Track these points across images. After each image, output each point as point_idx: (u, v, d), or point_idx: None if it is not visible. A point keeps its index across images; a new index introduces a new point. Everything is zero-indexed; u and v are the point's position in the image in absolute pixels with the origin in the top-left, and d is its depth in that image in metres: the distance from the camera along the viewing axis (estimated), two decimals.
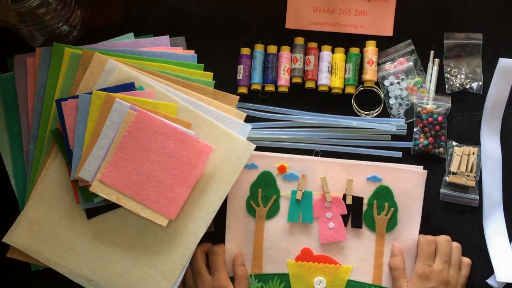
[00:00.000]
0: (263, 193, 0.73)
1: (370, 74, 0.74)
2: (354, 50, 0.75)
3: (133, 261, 0.70)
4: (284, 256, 0.73)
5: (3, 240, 0.69)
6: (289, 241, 0.73)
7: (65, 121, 0.69)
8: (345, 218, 0.73)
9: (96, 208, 0.70)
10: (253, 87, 0.76)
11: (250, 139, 0.73)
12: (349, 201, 0.73)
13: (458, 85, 0.75)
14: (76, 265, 0.69)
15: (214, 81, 0.74)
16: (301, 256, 0.73)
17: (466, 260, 0.71)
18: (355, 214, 0.73)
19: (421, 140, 0.74)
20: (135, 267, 0.70)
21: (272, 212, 0.73)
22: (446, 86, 0.75)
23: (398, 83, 0.75)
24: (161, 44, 0.76)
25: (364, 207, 0.73)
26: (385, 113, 0.76)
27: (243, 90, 0.76)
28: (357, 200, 0.73)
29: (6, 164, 0.73)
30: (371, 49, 0.75)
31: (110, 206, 0.70)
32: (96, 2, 0.77)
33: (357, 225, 0.73)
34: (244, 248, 0.73)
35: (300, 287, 0.72)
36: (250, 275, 0.72)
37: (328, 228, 0.72)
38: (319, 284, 0.72)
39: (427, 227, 0.74)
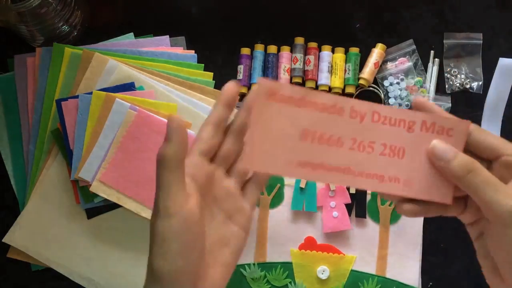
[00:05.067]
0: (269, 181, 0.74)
1: (367, 74, 0.74)
2: (354, 50, 0.75)
3: (133, 261, 0.70)
4: (288, 245, 0.73)
5: (3, 240, 0.70)
6: (293, 230, 0.73)
7: (65, 121, 0.69)
8: (349, 207, 0.73)
9: (96, 208, 0.70)
10: (253, 87, 0.76)
11: None
12: (352, 190, 0.73)
13: (458, 85, 0.75)
14: (76, 265, 0.69)
15: (214, 81, 0.74)
16: (305, 244, 0.73)
17: None
18: (359, 203, 0.73)
19: None
20: (136, 267, 0.70)
21: (276, 201, 0.73)
22: (446, 86, 0.75)
23: (398, 83, 0.75)
24: (161, 44, 0.76)
25: (368, 197, 0.73)
26: None
27: (243, 90, 0.76)
28: (361, 189, 0.73)
29: (6, 164, 0.73)
30: (380, 52, 0.75)
31: (110, 206, 0.70)
32: (96, 2, 0.77)
33: (361, 214, 0.73)
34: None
35: (304, 276, 0.72)
36: (253, 264, 0.72)
37: (332, 217, 0.72)
38: (322, 273, 0.72)
39: (426, 227, 0.74)
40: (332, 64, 0.75)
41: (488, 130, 0.72)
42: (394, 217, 0.73)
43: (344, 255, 0.72)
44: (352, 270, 0.72)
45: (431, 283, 0.73)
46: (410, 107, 0.75)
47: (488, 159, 0.43)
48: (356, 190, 0.73)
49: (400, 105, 0.75)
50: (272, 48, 0.76)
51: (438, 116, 0.43)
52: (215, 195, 0.45)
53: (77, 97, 0.70)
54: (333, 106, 0.42)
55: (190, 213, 0.41)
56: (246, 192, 0.47)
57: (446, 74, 0.75)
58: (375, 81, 0.76)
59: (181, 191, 0.41)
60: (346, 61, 0.75)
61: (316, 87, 0.76)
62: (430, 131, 0.43)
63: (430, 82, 0.75)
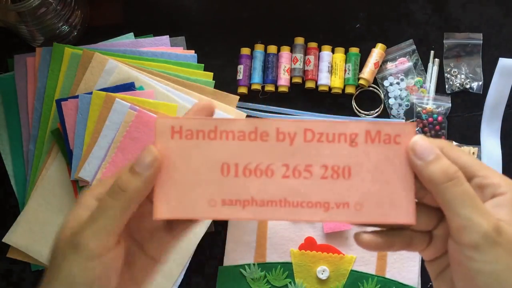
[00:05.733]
0: None
1: (367, 74, 0.74)
2: (354, 50, 0.75)
3: None
4: (288, 245, 0.73)
5: (3, 240, 0.69)
6: (293, 230, 0.73)
7: (65, 121, 0.69)
8: None
9: None
10: (253, 87, 0.76)
11: None
12: None
13: (458, 85, 0.75)
14: None
15: (214, 81, 0.74)
16: (305, 245, 0.73)
17: None
18: None
19: None
20: None
21: None
22: (446, 86, 0.75)
23: (398, 83, 0.75)
24: (161, 44, 0.76)
25: None
26: (385, 113, 0.76)
27: (243, 90, 0.76)
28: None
29: (6, 164, 0.73)
30: (380, 52, 0.74)
31: None
32: (96, 2, 0.77)
33: None
34: (247, 237, 0.73)
35: (303, 276, 0.72)
36: (253, 264, 0.72)
37: None
38: (322, 273, 0.72)
39: None
40: (332, 64, 0.75)
41: (488, 130, 0.71)
42: None
43: (344, 255, 0.72)
44: (352, 270, 0.72)
45: (431, 283, 0.73)
46: (410, 107, 0.75)
47: None
48: None
49: (400, 105, 0.75)
50: (272, 48, 0.76)
51: (381, 123, 0.37)
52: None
53: (77, 97, 0.70)
54: (253, 132, 0.37)
55: (114, 259, 0.36)
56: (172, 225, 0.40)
57: (446, 74, 0.75)
58: (375, 81, 0.76)
59: (113, 233, 0.35)
60: (346, 61, 0.75)
61: (316, 87, 0.76)
62: (377, 141, 0.37)
63: (430, 82, 0.75)
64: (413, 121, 0.75)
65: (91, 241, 0.35)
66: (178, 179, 0.37)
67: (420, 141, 0.36)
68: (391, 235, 0.38)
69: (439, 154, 0.36)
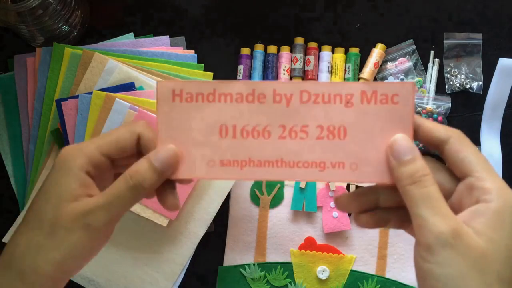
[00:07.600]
0: (267, 181, 0.73)
1: (367, 74, 0.74)
2: (354, 50, 0.75)
3: (133, 261, 0.70)
4: (288, 245, 0.73)
5: (3, 240, 0.69)
6: (293, 230, 0.73)
7: (65, 121, 0.69)
8: None
9: None
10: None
11: None
12: (352, 190, 0.73)
13: (458, 85, 0.75)
14: None
15: None
16: (305, 245, 0.73)
17: None
18: None
19: None
20: (136, 267, 0.70)
21: (276, 201, 0.73)
22: (446, 86, 0.75)
23: None
24: (161, 44, 0.76)
25: None
26: None
27: None
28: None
29: (6, 164, 0.73)
30: (380, 52, 0.75)
31: None
32: (96, 2, 0.77)
33: None
34: (247, 237, 0.73)
35: (303, 276, 0.72)
36: (253, 264, 0.72)
37: (332, 217, 0.73)
38: (322, 273, 0.72)
39: None
40: (332, 64, 0.75)
41: (488, 130, 0.70)
42: None
43: (344, 255, 0.73)
44: (352, 270, 0.72)
45: None
46: None
47: (457, 177, 0.37)
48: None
49: None
50: (272, 48, 0.76)
51: (378, 83, 0.38)
52: None
53: (77, 97, 0.70)
54: (251, 94, 0.38)
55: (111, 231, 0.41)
56: None
57: (446, 74, 0.75)
58: (375, 81, 0.76)
59: (121, 216, 0.40)
60: (346, 61, 0.75)
61: None
62: (373, 102, 0.38)
63: (430, 82, 0.75)
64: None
65: (102, 224, 0.38)
66: (178, 140, 0.39)
67: (400, 140, 0.36)
68: (386, 213, 0.39)
69: (415, 157, 0.36)
